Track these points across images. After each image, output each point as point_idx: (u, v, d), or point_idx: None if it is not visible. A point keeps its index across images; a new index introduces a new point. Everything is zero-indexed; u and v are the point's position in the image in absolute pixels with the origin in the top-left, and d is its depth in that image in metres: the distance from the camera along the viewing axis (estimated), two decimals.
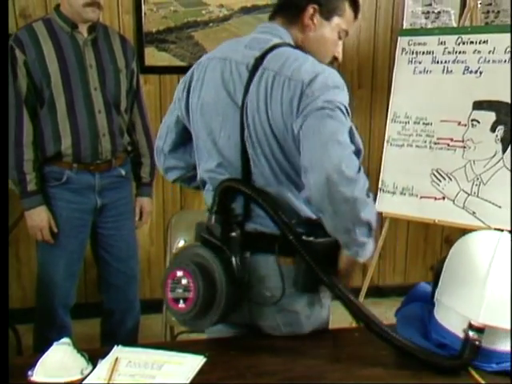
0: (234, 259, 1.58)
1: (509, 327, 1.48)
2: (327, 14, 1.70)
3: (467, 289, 1.53)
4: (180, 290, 1.53)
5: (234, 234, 1.61)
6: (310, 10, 1.68)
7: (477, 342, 1.48)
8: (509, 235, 1.60)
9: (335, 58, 1.78)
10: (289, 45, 1.68)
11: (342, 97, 1.56)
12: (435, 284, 1.63)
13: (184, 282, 1.53)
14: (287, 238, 1.57)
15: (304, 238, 1.58)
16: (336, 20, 1.71)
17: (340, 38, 1.75)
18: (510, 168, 2.89)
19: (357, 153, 1.53)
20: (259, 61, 1.61)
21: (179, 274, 1.54)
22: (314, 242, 1.58)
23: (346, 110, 1.55)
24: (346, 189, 1.46)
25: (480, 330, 1.48)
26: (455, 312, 1.55)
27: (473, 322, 1.48)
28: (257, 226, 1.66)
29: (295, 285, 1.64)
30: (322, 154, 1.47)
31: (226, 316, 1.59)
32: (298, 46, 1.69)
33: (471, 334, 1.48)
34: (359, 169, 1.51)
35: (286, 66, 1.58)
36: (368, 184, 1.54)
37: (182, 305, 1.54)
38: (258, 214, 1.65)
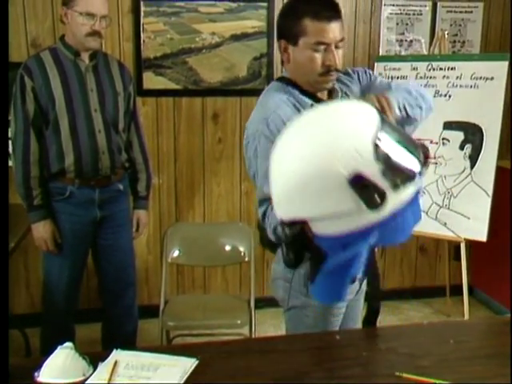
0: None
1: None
2: (293, 40, 1.65)
3: None
4: None
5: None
6: (281, 44, 1.70)
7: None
8: None
9: (328, 68, 1.64)
10: (280, 80, 1.77)
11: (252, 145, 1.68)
12: None
13: None
14: None
15: None
16: (302, 41, 1.64)
17: (316, 50, 1.63)
18: (477, 182, 2.91)
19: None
20: None
21: None
22: None
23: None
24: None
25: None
26: None
27: None
28: None
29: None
30: None
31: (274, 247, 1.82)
32: (290, 80, 1.73)
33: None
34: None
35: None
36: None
37: None
38: None
